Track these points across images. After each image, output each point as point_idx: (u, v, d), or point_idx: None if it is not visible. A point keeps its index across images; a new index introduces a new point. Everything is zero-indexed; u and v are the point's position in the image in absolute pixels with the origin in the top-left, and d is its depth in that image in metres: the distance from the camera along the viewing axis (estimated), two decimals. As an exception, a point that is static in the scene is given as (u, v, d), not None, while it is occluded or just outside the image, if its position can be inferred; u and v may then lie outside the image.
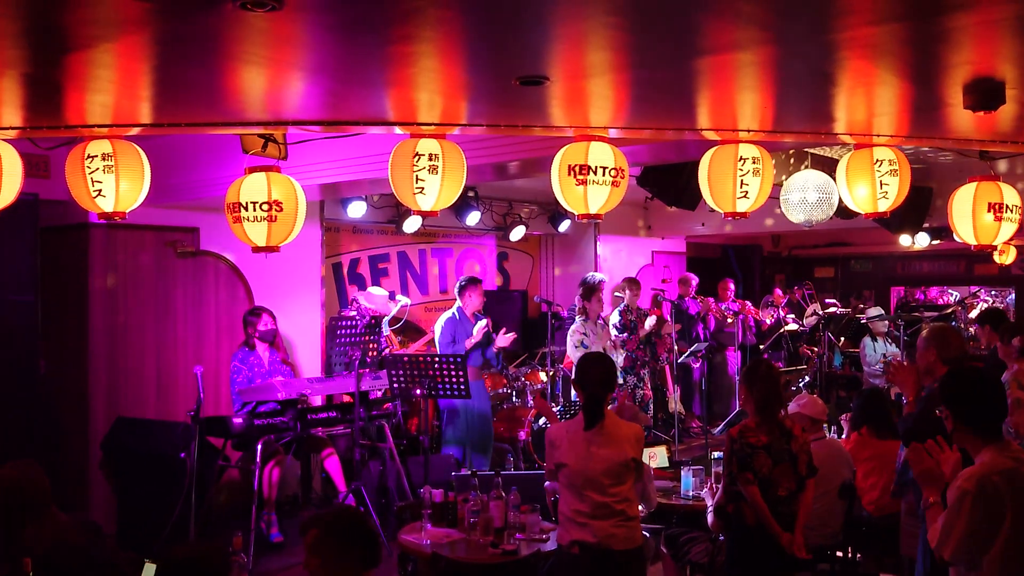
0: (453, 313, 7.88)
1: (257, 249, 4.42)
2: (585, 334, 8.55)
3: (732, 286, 11.15)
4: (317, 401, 7.46)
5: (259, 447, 6.51)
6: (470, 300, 7.84)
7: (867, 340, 10.47)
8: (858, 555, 5.65)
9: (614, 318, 9.09)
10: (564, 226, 10.93)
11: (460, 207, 9.49)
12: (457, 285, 8.02)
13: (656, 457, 6.44)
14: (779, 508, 4.47)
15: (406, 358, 6.76)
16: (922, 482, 3.41)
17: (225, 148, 6.26)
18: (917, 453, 3.42)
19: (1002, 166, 8.70)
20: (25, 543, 3.58)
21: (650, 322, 9.26)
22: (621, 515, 4.27)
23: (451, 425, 7.80)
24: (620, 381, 8.72)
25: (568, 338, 8.67)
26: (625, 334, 9.01)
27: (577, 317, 8.74)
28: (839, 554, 5.52)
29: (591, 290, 8.76)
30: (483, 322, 7.78)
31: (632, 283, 9.34)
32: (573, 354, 8.54)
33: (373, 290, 8.65)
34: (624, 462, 4.29)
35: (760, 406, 4.53)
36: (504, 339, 7.89)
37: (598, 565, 4.21)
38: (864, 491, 5.60)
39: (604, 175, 4.42)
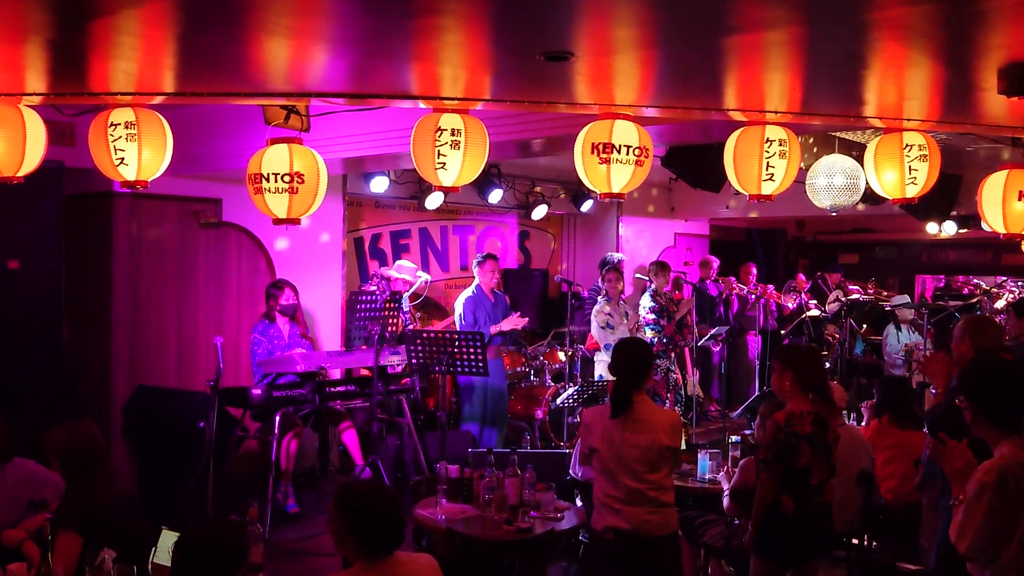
0: (472, 291, 7.88)
1: (278, 221, 4.42)
2: (610, 314, 8.54)
3: (754, 270, 11.08)
4: (336, 374, 7.54)
5: (277, 419, 6.55)
6: (487, 276, 7.86)
7: (890, 328, 10.38)
8: (875, 543, 5.62)
9: (646, 301, 9.05)
10: (587, 206, 10.88)
11: (482, 184, 9.48)
12: (475, 261, 8.05)
13: None
14: (812, 499, 4.32)
15: (425, 334, 6.78)
16: (953, 479, 3.35)
17: (249, 119, 6.26)
18: (941, 449, 3.37)
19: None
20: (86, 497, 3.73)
21: (684, 306, 9.26)
22: (654, 502, 4.27)
23: (468, 402, 7.81)
24: (656, 365, 8.68)
25: (592, 319, 8.65)
26: (664, 319, 8.95)
27: (600, 297, 8.72)
28: (855, 542, 5.50)
29: (611, 269, 8.77)
30: (521, 319, 7.85)
31: (662, 267, 9.29)
32: (599, 335, 8.52)
33: (403, 262, 8.69)
34: (658, 450, 4.27)
35: (812, 393, 4.27)
36: (511, 322, 7.85)
37: (632, 551, 4.20)
38: (882, 479, 5.55)
39: (628, 154, 4.40)
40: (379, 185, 8.71)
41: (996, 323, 5.36)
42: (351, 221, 9.01)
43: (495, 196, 9.61)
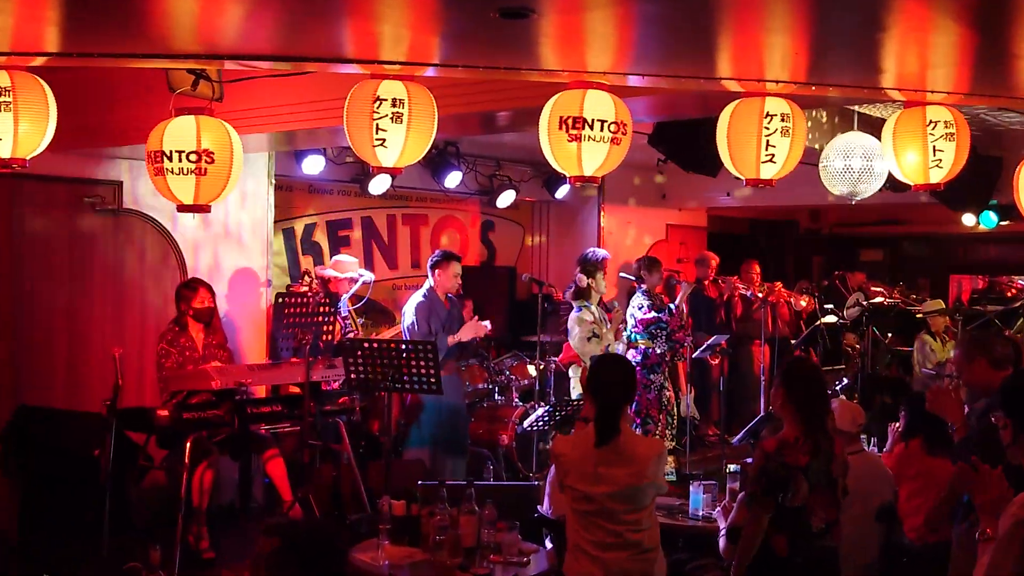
0: (424, 294, 7.81)
1: (183, 207, 4.42)
2: (595, 323, 8.55)
3: (758, 269, 11.10)
4: (260, 392, 7.47)
5: (188, 445, 6.50)
6: (446, 280, 7.82)
7: (922, 338, 10.43)
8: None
9: (638, 301, 9.03)
10: (562, 192, 10.90)
11: (438, 166, 9.45)
12: (430, 260, 7.99)
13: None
14: (813, 543, 4.35)
15: (367, 344, 6.75)
16: (984, 512, 3.38)
17: (155, 86, 6.19)
18: (972, 475, 3.40)
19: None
20: None
21: (685, 289, 9.29)
22: (637, 546, 4.31)
23: (417, 425, 7.80)
24: (650, 381, 8.77)
25: (572, 328, 8.61)
26: (665, 314, 8.95)
27: (575, 302, 8.71)
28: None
29: (595, 267, 8.74)
30: (485, 324, 7.84)
31: (652, 264, 9.28)
32: (581, 348, 8.50)
33: (342, 258, 8.64)
34: (642, 486, 4.32)
35: (804, 416, 4.37)
36: (471, 330, 7.84)
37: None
38: (907, 515, 5.57)
39: (602, 130, 4.43)
40: (313, 166, 8.65)
41: (1005, 335, 5.45)
42: (280, 209, 8.96)
43: (453, 180, 9.56)
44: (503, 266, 11.36)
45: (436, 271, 7.83)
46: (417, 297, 7.85)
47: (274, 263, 8.74)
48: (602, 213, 11.49)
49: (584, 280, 8.70)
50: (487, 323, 7.98)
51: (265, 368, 7.14)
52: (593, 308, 8.64)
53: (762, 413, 10.28)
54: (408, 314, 7.82)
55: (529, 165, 10.74)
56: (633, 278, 9.41)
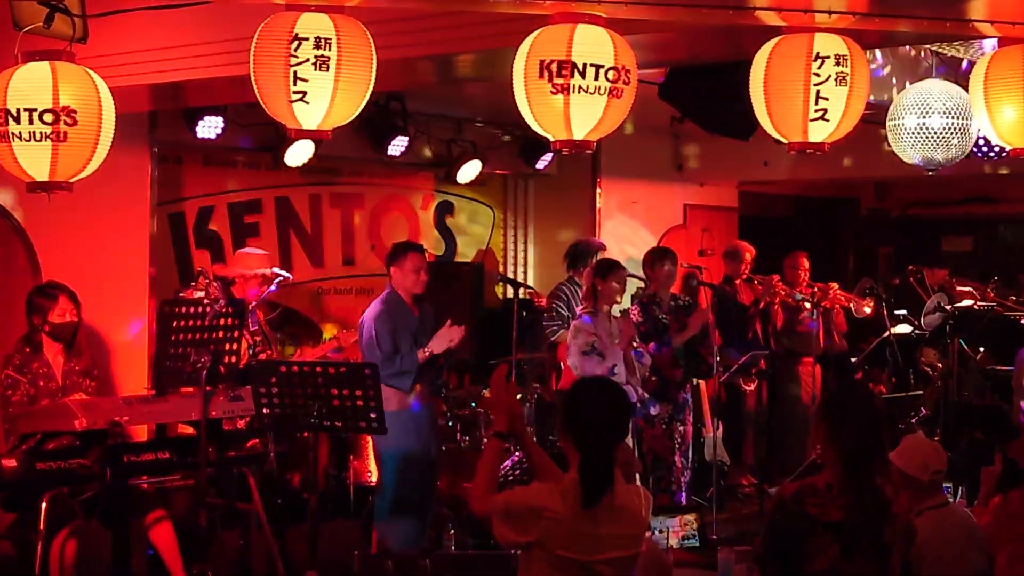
0: (383, 300, 7.81)
1: (35, 186, 4.41)
2: (596, 335, 8.44)
3: (807, 264, 11.12)
4: (140, 435, 7.43)
5: (44, 506, 6.44)
6: (408, 277, 7.78)
7: (1027, 354, 10.46)
8: None
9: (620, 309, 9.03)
10: (545, 162, 10.87)
11: (378, 129, 9.39)
12: (389, 254, 7.97)
13: (682, 528, 6.46)
14: None
15: (284, 367, 6.72)
16: None
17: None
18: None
19: None
20: None
21: (700, 319, 9.27)
22: None
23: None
24: (652, 412, 8.80)
25: (571, 342, 8.52)
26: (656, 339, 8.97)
27: (581, 308, 8.63)
28: None
29: (611, 265, 8.68)
30: (457, 329, 7.83)
31: (661, 258, 9.28)
32: (581, 365, 8.41)
33: (249, 251, 8.60)
34: (640, 551, 4.38)
35: (848, 461, 4.40)
36: (443, 339, 7.81)
37: None
38: (1008, 588, 5.64)
39: (597, 78, 4.43)
40: (210, 128, 8.60)
41: None
42: (165, 187, 8.89)
43: (398, 146, 9.52)
44: (466, 262, 11.29)
45: (392, 268, 7.85)
46: (375, 305, 7.83)
47: (157, 260, 8.67)
48: (599, 191, 11.44)
49: (588, 281, 8.65)
50: (461, 327, 7.90)
51: (147, 402, 7.03)
52: (604, 316, 8.57)
53: (813, 457, 10.32)
54: (365, 328, 7.77)
55: (500, 127, 10.70)
56: (639, 277, 9.41)
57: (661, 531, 6.59)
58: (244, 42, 5.61)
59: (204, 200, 9.60)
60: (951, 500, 6.09)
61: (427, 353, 7.68)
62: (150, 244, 8.59)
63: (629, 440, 8.01)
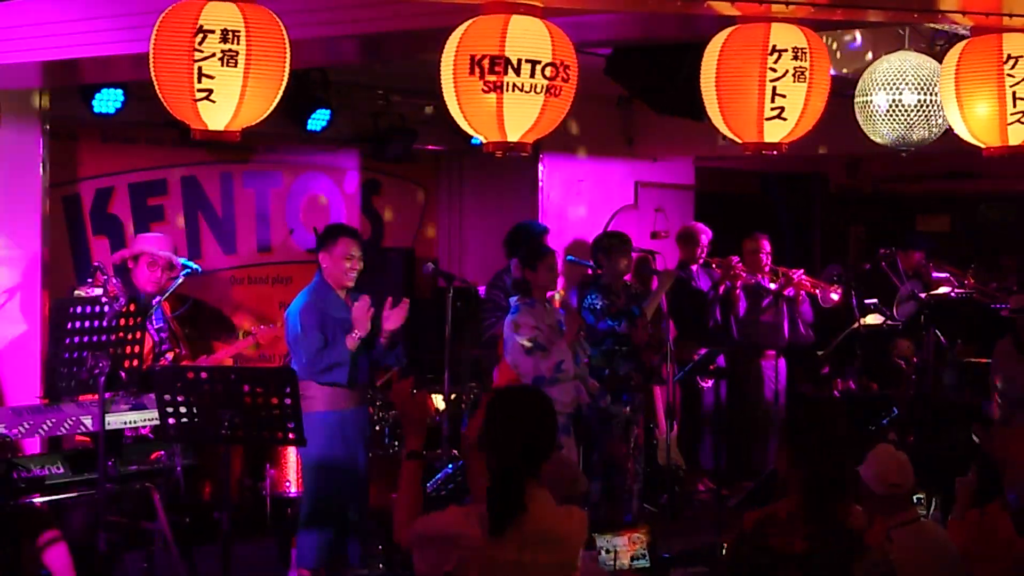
0: (309, 291, 7.78)
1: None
2: (538, 328, 8.47)
3: (768, 246, 11.04)
4: (32, 447, 7.47)
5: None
6: (331, 265, 7.77)
7: (1008, 347, 10.27)
8: None
9: (589, 299, 9.11)
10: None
11: (296, 101, 9.35)
12: (320, 240, 8.00)
13: (631, 547, 6.45)
14: None
15: (192, 373, 6.64)
16: None
17: None
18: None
19: None
20: None
21: (663, 280, 9.51)
22: None
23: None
24: (602, 404, 8.87)
25: (509, 337, 8.59)
26: (625, 321, 9.02)
27: (514, 298, 8.70)
28: None
29: (536, 251, 8.74)
30: (363, 300, 7.75)
31: (615, 244, 9.29)
32: (521, 365, 8.51)
33: (152, 236, 8.64)
34: (571, 573, 4.46)
35: (812, 486, 4.48)
36: (395, 315, 7.80)
37: None
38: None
39: (533, 75, 4.52)
40: (109, 102, 8.56)
41: None
42: (59, 168, 8.84)
43: (319, 120, 9.59)
44: (395, 247, 11.33)
45: (320, 254, 7.86)
46: (301, 297, 7.82)
47: (49, 251, 8.60)
48: (540, 168, 11.39)
49: (520, 270, 8.70)
50: (404, 301, 7.90)
51: (38, 411, 6.97)
52: (541, 306, 8.65)
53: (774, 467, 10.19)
54: (290, 323, 7.75)
55: (432, 98, 10.45)
56: (588, 264, 9.46)
57: (608, 551, 6.57)
58: (145, 17, 5.59)
59: (102, 181, 9.56)
60: (924, 514, 6.22)
61: (356, 337, 7.57)
62: (41, 230, 8.51)
63: (574, 453, 8.05)
